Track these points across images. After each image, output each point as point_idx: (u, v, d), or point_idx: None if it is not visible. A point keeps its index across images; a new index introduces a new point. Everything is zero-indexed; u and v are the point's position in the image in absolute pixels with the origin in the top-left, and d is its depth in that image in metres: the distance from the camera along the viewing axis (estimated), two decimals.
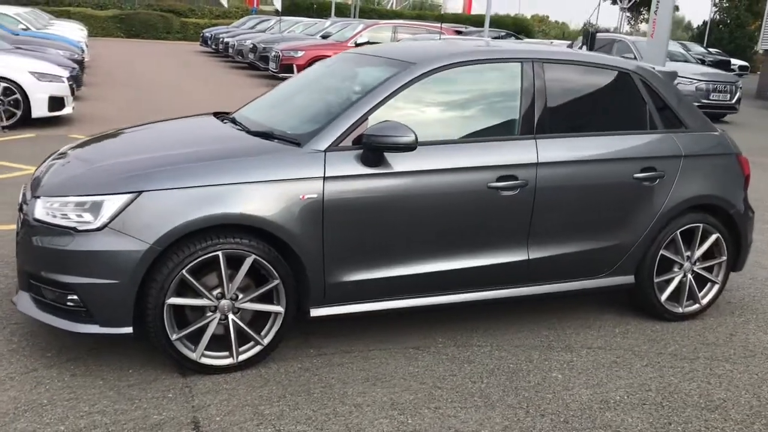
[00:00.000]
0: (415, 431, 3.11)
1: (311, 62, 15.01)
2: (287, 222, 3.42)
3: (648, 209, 4.20)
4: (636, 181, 4.15)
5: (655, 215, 4.22)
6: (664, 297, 4.42)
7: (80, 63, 15.70)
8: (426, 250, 3.75)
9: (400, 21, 19.70)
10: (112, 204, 3.25)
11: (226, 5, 36.34)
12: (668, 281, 4.44)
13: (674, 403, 3.49)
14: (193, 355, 3.43)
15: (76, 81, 12.58)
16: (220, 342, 3.50)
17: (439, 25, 16.81)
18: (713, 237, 4.45)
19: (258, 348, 3.55)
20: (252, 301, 3.50)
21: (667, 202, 4.24)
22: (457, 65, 3.94)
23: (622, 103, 4.37)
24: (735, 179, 4.51)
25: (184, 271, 3.31)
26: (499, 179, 3.80)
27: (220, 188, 3.36)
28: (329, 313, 3.67)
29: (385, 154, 3.61)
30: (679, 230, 4.34)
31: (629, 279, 4.32)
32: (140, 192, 3.28)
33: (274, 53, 18.12)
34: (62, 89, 10.66)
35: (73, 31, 23.28)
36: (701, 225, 4.39)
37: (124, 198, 3.26)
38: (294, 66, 17.41)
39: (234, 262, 3.42)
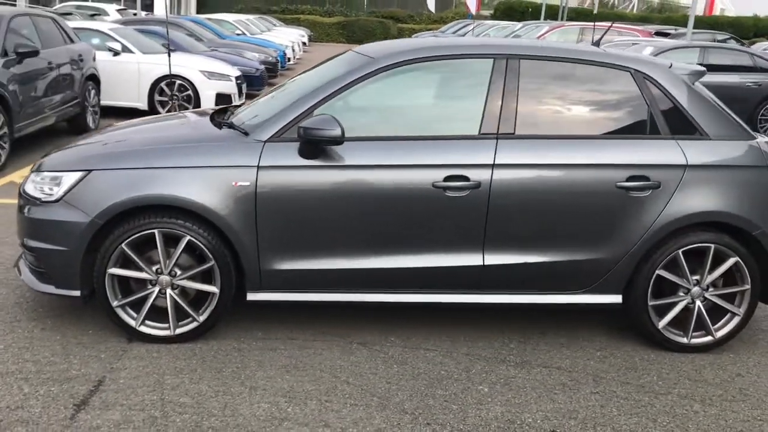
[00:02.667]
0: (284, 418, 3.14)
1: None
2: (219, 207, 3.60)
3: (636, 222, 3.79)
4: (620, 190, 3.76)
5: (646, 230, 3.79)
6: (662, 323, 3.95)
7: (273, 65, 17.12)
8: (367, 245, 3.73)
9: (588, 23, 18.82)
10: (68, 179, 3.66)
11: (433, 11, 37.06)
12: (669, 306, 3.95)
13: None
14: (132, 323, 3.74)
15: (255, 80, 13.79)
16: (163, 314, 3.77)
17: (635, 27, 15.88)
18: (731, 261, 3.88)
19: (195, 324, 3.77)
20: (189, 279, 3.73)
21: (662, 216, 3.78)
22: (420, 60, 3.85)
23: (614, 104, 3.97)
24: (764, 195, 3.89)
25: (123, 245, 3.62)
26: (447, 179, 3.66)
27: (158, 171, 3.63)
28: (265, 298, 3.79)
29: (333, 147, 3.65)
30: (682, 249, 3.85)
31: (615, 299, 3.92)
32: (90, 170, 3.66)
33: None
34: (229, 87, 11.77)
35: (290, 36, 25.32)
36: (712, 246, 3.85)
37: (77, 175, 3.65)
38: None
39: (174, 242, 3.67)
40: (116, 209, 3.59)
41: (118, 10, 27.07)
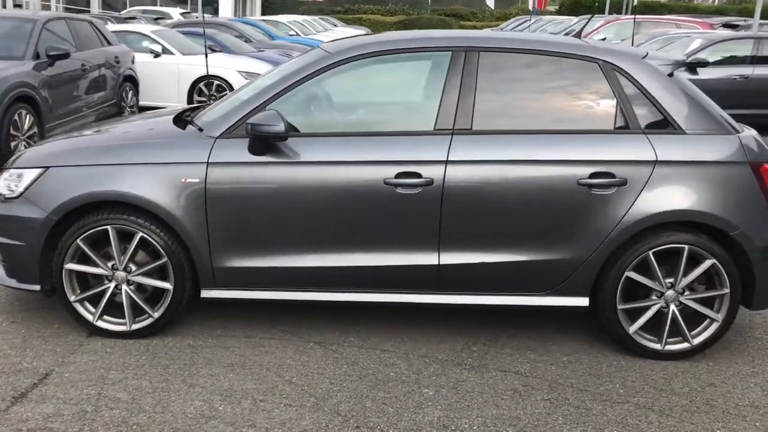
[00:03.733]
0: (212, 417, 3.12)
1: None
2: (168, 203, 3.61)
3: (601, 221, 3.60)
4: (582, 187, 3.58)
5: (611, 229, 3.60)
6: (633, 328, 3.74)
7: None
8: (318, 243, 3.67)
9: (644, 16, 18.18)
10: (28, 176, 3.74)
11: (493, 7, 36.58)
12: (641, 310, 3.74)
13: None
14: (90, 318, 3.79)
15: None
16: (121, 310, 3.80)
17: (692, 19, 15.25)
18: (707, 263, 3.64)
19: (150, 320, 3.79)
20: (144, 275, 3.75)
21: (628, 214, 3.58)
22: (376, 54, 3.76)
23: (579, 97, 3.78)
24: (745, 194, 3.63)
25: (78, 240, 3.68)
26: (398, 176, 3.57)
27: (110, 167, 3.67)
28: (219, 296, 3.79)
29: (283, 144, 3.61)
30: (653, 250, 3.63)
31: (581, 301, 3.74)
32: (47, 167, 3.73)
33: None
34: None
35: (346, 36, 25.43)
36: (686, 247, 3.62)
37: (36, 172, 3.73)
38: None
39: (130, 239, 3.70)
40: (70, 205, 3.64)
41: (182, 14, 27.77)
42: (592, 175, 3.57)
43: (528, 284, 3.71)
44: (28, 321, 4.00)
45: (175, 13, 27.67)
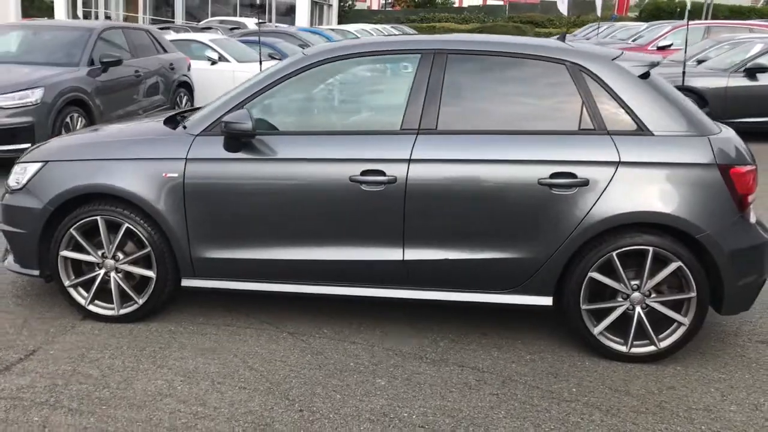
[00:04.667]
0: (168, 395, 3.33)
1: None
2: (151, 196, 3.87)
3: (562, 221, 3.63)
4: (543, 187, 3.62)
5: (572, 229, 3.62)
6: (598, 330, 3.75)
7: None
8: (288, 237, 3.84)
9: (718, 21, 17.58)
10: (30, 170, 4.08)
11: (566, 14, 35.86)
12: (606, 311, 3.75)
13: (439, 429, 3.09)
14: (82, 302, 4.09)
15: None
16: (110, 296, 4.08)
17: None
18: (673, 266, 3.62)
19: (136, 306, 4.06)
20: (131, 264, 4.02)
21: (590, 215, 3.60)
22: (347, 57, 3.92)
23: (545, 98, 3.81)
24: (712, 197, 3.59)
25: (72, 230, 3.98)
26: (363, 173, 3.71)
27: (100, 162, 3.96)
28: (197, 285, 4.01)
29: (256, 141, 3.82)
30: (617, 251, 3.64)
31: (545, 301, 3.77)
32: (46, 162, 4.05)
33: None
34: None
35: None
36: (650, 249, 3.61)
37: (37, 166, 4.06)
38: None
39: (117, 229, 3.98)
40: (64, 197, 3.94)
41: (257, 23, 28.57)
42: (553, 175, 3.60)
43: (491, 282, 3.77)
44: (33, 304, 4.33)
45: (250, 23, 28.53)
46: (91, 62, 8.73)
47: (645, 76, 3.80)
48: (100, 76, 8.76)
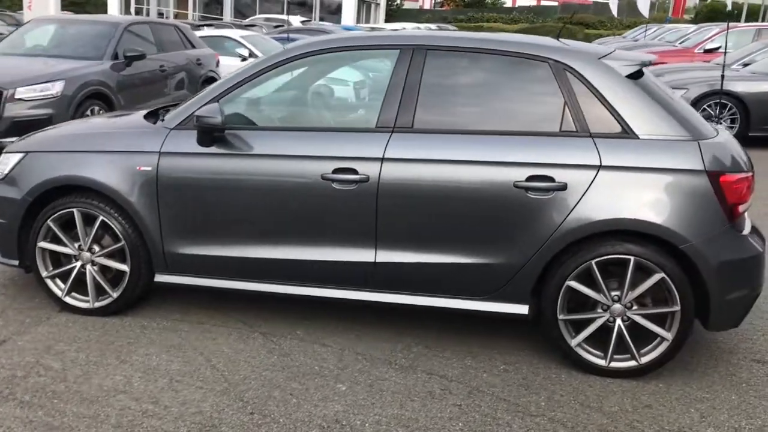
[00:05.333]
0: (123, 392, 3.28)
1: None
2: (125, 189, 3.84)
3: (538, 226, 3.47)
4: (518, 190, 3.46)
5: (549, 235, 3.46)
6: (575, 341, 3.57)
7: None
8: (260, 235, 3.77)
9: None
10: (13, 160, 4.09)
11: (616, 15, 35.17)
12: (585, 323, 3.57)
13: None
14: (59, 293, 4.08)
15: None
16: (87, 288, 4.07)
17: None
18: (655, 277, 3.42)
19: (110, 299, 4.03)
20: (105, 257, 4.00)
21: (567, 221, 3.43)
22: (325, 52, 3.82)
23: (526, 97, 3.65)
24: (699, 205, 3.38)
25: (49, 221, 3.98)
26: (336, 171, 3.61)
27: (76, 154, 3.95)
28: (170, 281, 3.97)
29: (229, 136, 3.75)
30: (596, 260, 3.46)
31: (520, 309, 3.61)
32: (27, 153, 4.06)
33: None
34: None
35: None
36: (631, 258, 3.42)
37: (18, 156, 4.07)
38: None
39: (93, 221, 3.96)
40: (42, 188, 3.94)
41: (302, 21, 28.78)
42: (529, 178, 3.44)
43: (465, 287, 3.63)
44: (15, 294, 4.35)
45: (296, 20, 28.73)
46: (115, 56, 8.82)
47: (636, 75, 3.60)
48: (124, 70, 8.84)
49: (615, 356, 3.55)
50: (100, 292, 4.04)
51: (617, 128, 3.47)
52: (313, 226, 3.68)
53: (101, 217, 3.90)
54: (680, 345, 3.49)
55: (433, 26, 31.07)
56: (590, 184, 3.40)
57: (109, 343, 3.75)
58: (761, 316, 4.31)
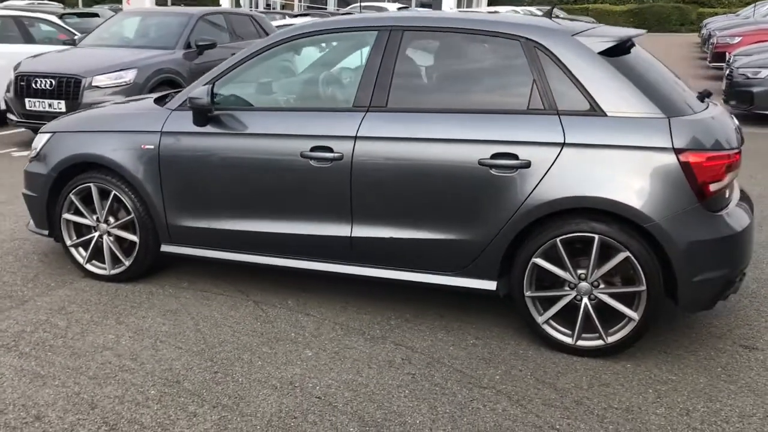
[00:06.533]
0: (109, 348, 3.61)
1: None
2: (132, 166, 4.18)
3: (503, 203, 3.51)
4: (483, 167, 3.53)
5: (513, 212, 3.50)
6: (543, 318, 3.61)
7: None
8: (248, 209, 4.00)
9: None
10: (43, 139, 4.54)
11: None
12: (552, 300, 3.60)
13: (351, 408, 3.12)
14: (81, 261, 4.50)
15: None
16: (112, 258, 4.46)
17: None
18: (621, 256, 3.41)
19: (123, 267, 4.40)
20: (118, 228, 4.37)
21: (531, 198, 3.46)
22: (308, 35, 3.99)
23: (497, 75, 3.68)
24: (666, 183, 3.32)
25: (71, 194, 4.39)
26: (313, 149, 3.79)
27: (94, 134, 4.33)
28: (173, 251, 4.28)
29: (219, 116, 4.01)
30: (561, 238, 3.48)
31: (488, 285, 3.67)
32: (54, 133, 4.48)
33: (711, 40, 16.55)
34: None
35: None
36: (596, 236, 3.42)
37: (47, 136, 4.51)
38: (726, 54, 15.63)
39: (108, 195, 4.34)
40: (64, 164, 4.35)
41: (399, 8, 28.97)
42: (494, 156, 3.49)
43: (436, 263, 3.72)
44: (51, 261, 4.81)
45: (393, 7, 28.96)
46: (188, 45, 9.33)
47: (613, 52, 3.56)
48: (196, 58, 9.33)
49: (583, 335, 3.54)
50: (115, 260, 4.40)
51: (585, 105, 3.45)
52: (295, 201, 3.88)
53: (114, 192, 4.25)
54: (647, 325, 3.45)
55: (533, 9, 30.44)
56: (554, 162, 3.41)
57: (114, 306, 4.11)
58: (765, 302, 4.15)
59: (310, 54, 4.18)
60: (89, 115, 4.60)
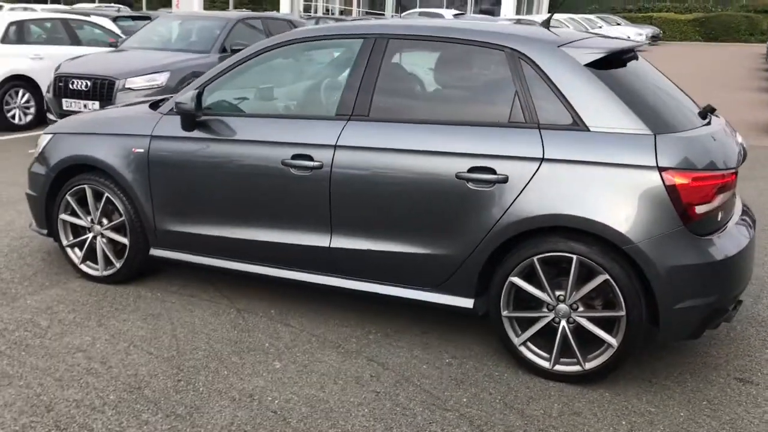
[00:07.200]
0: (83, 350, 3.63)
1: None
2: (123, 169, 4.21)
3: (479, 219, 3.39)
4: (460, 181, 3.41)
5: (490, 228, 3.37)
6: (519, 340, 3.47)
7: None
8: (230, 216, 3.98)
9: None
10: (44, 140, 4.61)
11: None
12: (529, 321, 3.46)
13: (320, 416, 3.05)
14: (76, 261, 4.56)
15: None
16: (105, 259, 4.51)
17: None
18: (599, 279, 3.25)
19: (115, 269, 4.44)
20: (110, 230, 4.41)
21: (507, 214, 3.33)
22: (295, 42, 3.95)
23: (480, 87, 3.56)
24: (649, 203, 3.14)
25: (67, 195, 4.45)
26: (294, 157, 3.75)
27: (89, 137, 4.37)
28: (161, 255, 4.29)
29: (206, 122, 4.00)
30: (539, 257, 3.34)
31: (466, 302, 3.55)
32: (54, 134, 4.56)
33: None
34: None
35: (611, 34, 24.42)
36: (574, 257, 3.27)
37: (48, 137, 4.59)
38: None
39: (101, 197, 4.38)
40: (60, 165, 4.42)
41: (455, 15, 28.85)
42: (471, 170, 3.37)
43: (414, 277, 3.62)
44: (53, 260, 4.88)
45: (449, 13, 28.84)
46: (223, 49, 9.43)
47: (601, 64, 3.40)
48: None
49: (561, 359, 3.39)
50: (108, 262, 4.44)
51: (568, 119, 3.30)
52: (276, 209, 3.83)
53: (106, 194, 4.28)
54: (627, 352, 3.27)
55: (592, 17, 29.85)
56: (531, 178, 3.27)
57: (100, 308, 4.13)
58: None
59: (298, 61, 4.13)
60: (87, 117, 4.66)
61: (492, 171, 3.33)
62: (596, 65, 3.38)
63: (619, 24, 31.04)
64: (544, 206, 3.24)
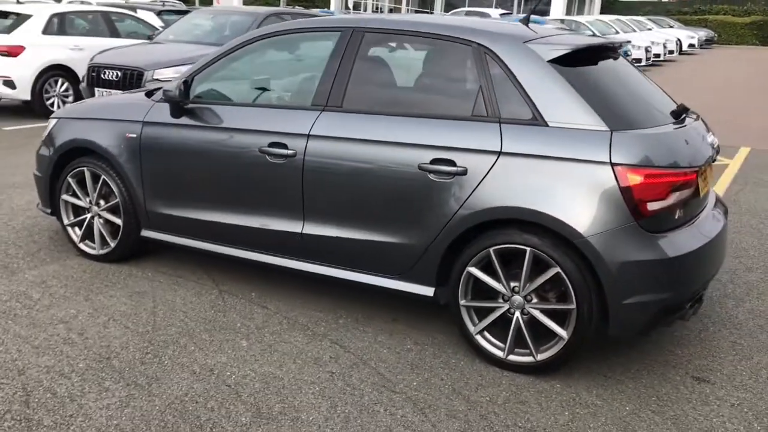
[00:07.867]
0: (64, 322, 3.84)
1: None
2: (117, 152, 4.42)
3: (439, 210, 3.48)
4: (422, 172, 3.51)
5: (448, 219, 3.46)
6: (476, 329, 3.55)
7: None
8: (212, 201, 4.14)
9: None
10: (51, 124, 4.87)
11: None
12: (486, 311, 3.53)
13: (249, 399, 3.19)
14: (76, 239, 4.80)
15: None
16: (101, 239, 4.74)
17: None
18: (551, 271, 3.31)
19: (109, 249, 4.66)
20: (106, 211, 4.64)
21: (464, 206, 3.41)
22: (276, 35, 4.09)
23: (446, 81, 3.63)
24: (601, 199, 3.18)
25: (68, 177, 4.70)
26: (270, 145, 3.90)
27: (89, 121, 4.60)
28: (151, 236, 4.49)
29: (192, 109, 4.18)
30: (494, 248, 3.41)
31: (427, 291, 3.64)
32: (59, 119, 4.81)
33: None
34: None
35: (660, 37, 23.96)
36: (528, 249, 3.34)
37: (54, 121, 4.84)
38: None
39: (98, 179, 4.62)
40: (62, 148, 4.66)
41: (501, 15, 28.70)
42: (433, 161, 3.46)
43: (378, 265, 3.72)
44: (58, 238, 5.13)
45: (495, 12, 28.71)
46: None
47: (569, 61, 3.45)
48: None
49: (515, 350, 3.45)
50: (103, 241, 4.66)
51: (528, 114, 3.36)
52: (253, 195, 3.98)
53: (102, 176, 4.50)
54: (576, 345, 3.31)
55: (641, 18, 29.33)
56: (489, 170, 3.34)
57: (90, 284, 4.35)
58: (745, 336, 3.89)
59: (280, 52, 4.28)
60: (89, 103, 4.89)
61: (452, 163, 3.41)
62: (561, 62, 3.42)
63: (671, 26, 30.42)
64: (499, 198, 3.31)
